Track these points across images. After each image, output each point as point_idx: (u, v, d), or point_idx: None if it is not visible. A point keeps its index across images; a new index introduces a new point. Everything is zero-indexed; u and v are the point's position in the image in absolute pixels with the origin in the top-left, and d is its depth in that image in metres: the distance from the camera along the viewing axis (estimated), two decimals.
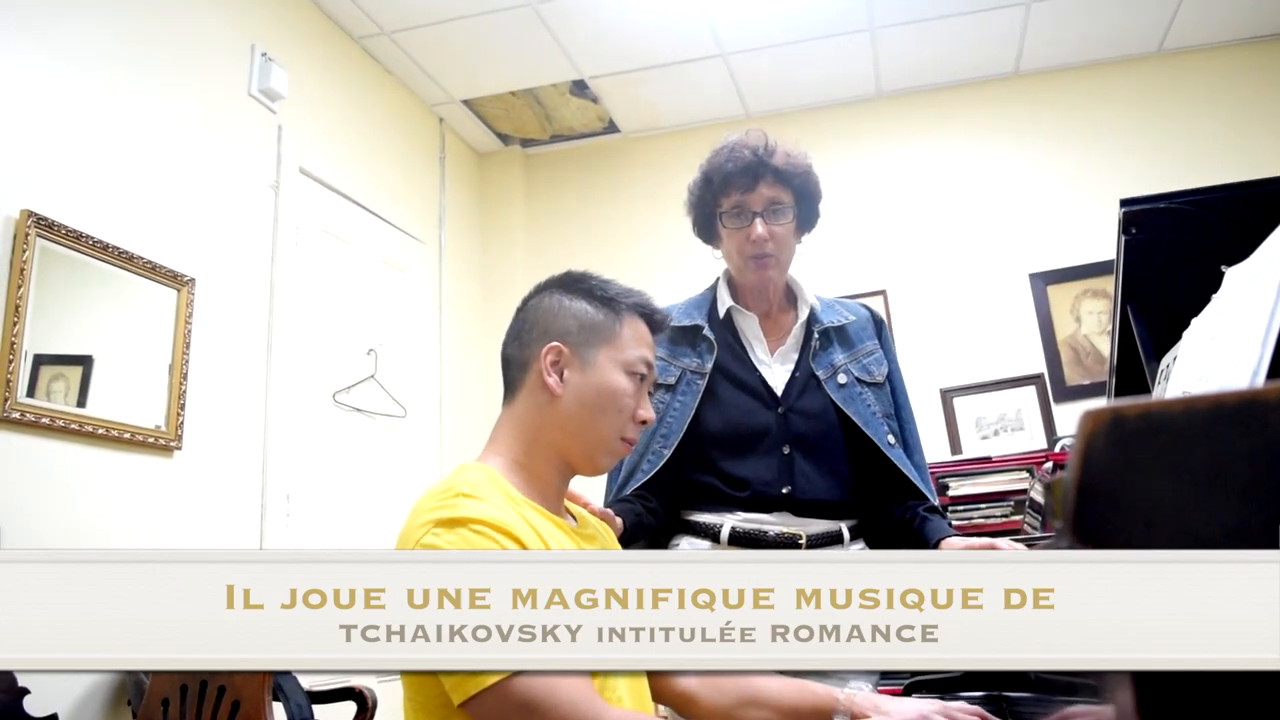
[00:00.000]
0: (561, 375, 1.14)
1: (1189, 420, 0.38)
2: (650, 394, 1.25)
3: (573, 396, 1.13)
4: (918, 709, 1.12)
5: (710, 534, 1.54)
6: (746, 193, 1.60)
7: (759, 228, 1.58)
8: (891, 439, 1.60)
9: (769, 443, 1.57)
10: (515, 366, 1.18)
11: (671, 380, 1.63)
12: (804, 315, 1.66)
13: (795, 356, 1.64)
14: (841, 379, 1.61)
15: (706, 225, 1.68)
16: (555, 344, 1.14)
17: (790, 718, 1.17)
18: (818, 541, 1.54)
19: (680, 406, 1.60)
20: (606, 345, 1.16)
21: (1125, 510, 0.39)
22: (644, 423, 1.19)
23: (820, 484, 1.56)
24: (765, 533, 1.52)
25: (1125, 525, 0.39)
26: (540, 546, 1.02)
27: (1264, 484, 0.37)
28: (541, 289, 1.22)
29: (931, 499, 1.59)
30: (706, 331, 1.64)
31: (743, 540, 1.52)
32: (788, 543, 1.52)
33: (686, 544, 1.55)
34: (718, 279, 1.73)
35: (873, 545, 1.69)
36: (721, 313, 1.67)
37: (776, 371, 1.62)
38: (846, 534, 1.57)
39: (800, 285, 1.71)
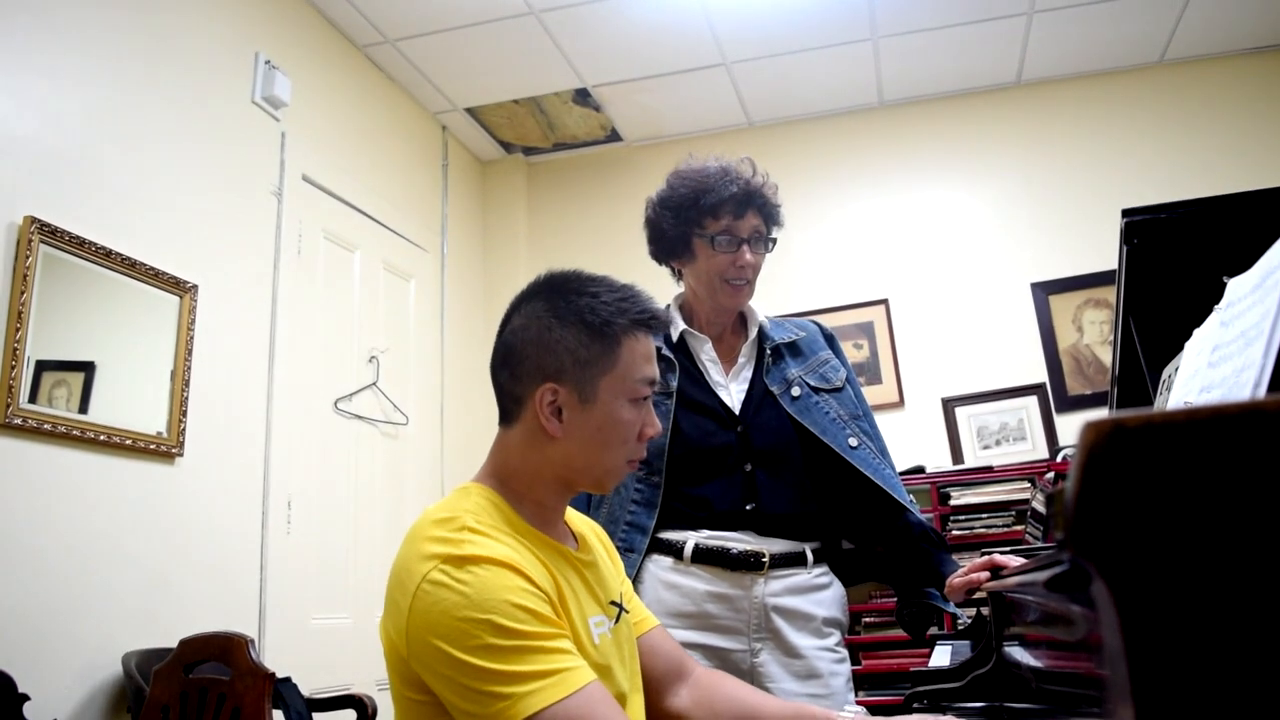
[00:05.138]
0: (560, 416, 1.06)
1: (1191, 432, 0.38)
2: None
3: (574, 437, 1.06)
4: None
5: (674, 551, 1.55)
6: (737, 219, 1.62)
7: (747, 254, 1.61)
8: (854, 442, 1.60)
9: (731, 461, 1.58)
10: (509, 398, 1.11)
11: None
12: (754, 333, 1.69)
13: (749, 374, 1.66)
14: (795, 391, 1.63)
15: (680, 242, 1.66)
16: (550, 385, 1.05)
17: None
18: (780, 561, 1.55)
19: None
20: (606, 375, 1.06)
21: (1127, 523, 0.39)
22: (651, 437, 1.12)
23: (783, 497, 1.57)
24: (728, 550, 1.53)
25: (1126, 538, 0.39)
26: (549, 583, 0.99)
27: (1266, 497, 0.37)
28: (525, 302, 1.12)
29: (907, 506, 1.59)
30: (666, 352, 1.65)
31: (705, 557, 1.53)
32: (751, 560, 1.53)
33: (652, 562, 1.56)
34: (668, 305, 1.74)
35: (852, 560, 1.69)
36: (675, 337, 1.68)
37: (733, 390, 1.64)
38: (810, 556, 1.58)
39: (750, 307, 1.73)
